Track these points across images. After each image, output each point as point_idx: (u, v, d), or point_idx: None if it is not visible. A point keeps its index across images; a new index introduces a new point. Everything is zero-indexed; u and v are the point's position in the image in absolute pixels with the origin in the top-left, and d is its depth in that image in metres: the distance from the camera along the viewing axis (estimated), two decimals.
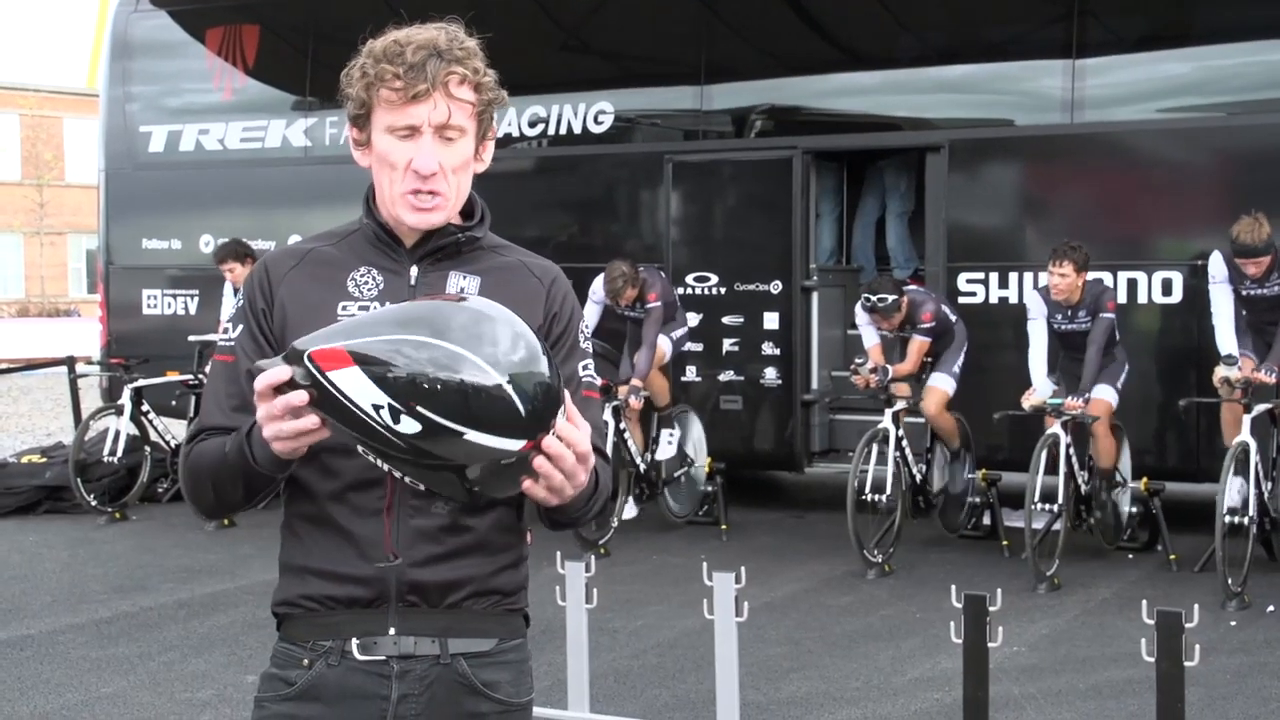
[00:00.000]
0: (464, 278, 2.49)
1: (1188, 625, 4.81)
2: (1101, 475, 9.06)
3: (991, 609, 5.09)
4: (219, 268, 10.90)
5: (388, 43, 2.41)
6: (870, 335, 9.45)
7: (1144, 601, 4.94)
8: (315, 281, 2.49)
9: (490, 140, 2.52)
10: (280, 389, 2.18)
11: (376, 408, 2.12)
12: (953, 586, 5.13)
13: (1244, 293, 8.57)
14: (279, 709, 2.51)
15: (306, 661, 2.49)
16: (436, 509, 2.41)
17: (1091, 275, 8.85)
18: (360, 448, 2.20)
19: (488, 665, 2.49)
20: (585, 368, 2.56)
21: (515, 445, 2.13)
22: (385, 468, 2.23)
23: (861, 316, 9.49)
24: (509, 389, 2.10)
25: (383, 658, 2.44)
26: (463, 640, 2.47)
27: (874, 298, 9.32)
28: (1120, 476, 9.27)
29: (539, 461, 2.18)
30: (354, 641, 2.45)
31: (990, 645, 4.99)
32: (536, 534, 2.62)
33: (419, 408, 2.10)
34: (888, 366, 9.09)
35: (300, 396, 2.16)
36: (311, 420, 2.18)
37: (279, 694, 2.51)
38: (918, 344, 9.28)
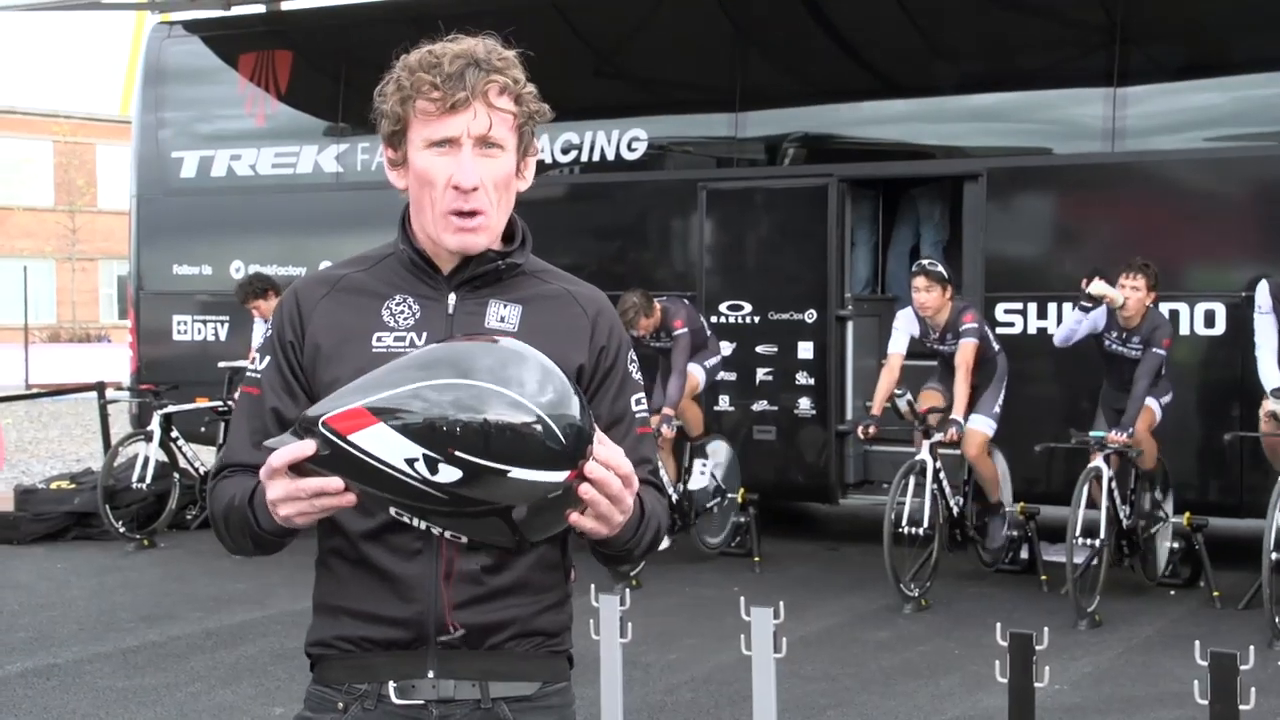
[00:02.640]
0: (504, 306, 2.38)
1: (1243, 667, 4.67)
2: (1143, 475, 8.90)
3: (1038, 648, 4.96)
4: (243, 305, 10.85)
5: (422, 54, 2.31)
6: (899, 340, 9.22)
7: (1196, 642, 4.78)
8: (348, 311, 2.38)
9: (532, 158, 2.40)
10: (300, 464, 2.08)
11: (410, 462, 2.01)
12: (998, 624, 4.99)
13: None
14: None
15: (341, 705, 2.38)
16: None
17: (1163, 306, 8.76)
18: (394, 510, 2.09)
19: (530, 710, 2.38)
20: (638, 402, 2.44)
21: (560, 476, 2.03)
22: (424, 526, 2.12)
23: (900, 317, 9.32)
24: (543, 425, 2.01)
25: (421, 702, 2.34)
26: (505, 684, 2.36)
27: (926, 261, 9.19)
28: (1163, 511, 9.12)
29: (584, 489, 2.08)
30: (391, 685, 2.34)
31: (1036, 685, 4.86)
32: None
33: (457, 452, 2.00)
34: (908, 395, 8.92)
35: (334, 484, 2.07)
36: (346, 498, 2.09)
37: None
38: (966, 350, 8.95)
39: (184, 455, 11.38)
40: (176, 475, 11.22)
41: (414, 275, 2.39)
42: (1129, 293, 8.60)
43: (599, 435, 2.11)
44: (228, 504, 2.30)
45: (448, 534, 2.13)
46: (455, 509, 2.04)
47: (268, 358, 2.40)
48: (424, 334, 2.35)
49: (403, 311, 2.37)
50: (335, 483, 2.06)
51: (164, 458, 11.13)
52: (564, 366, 2.35)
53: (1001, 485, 9.41)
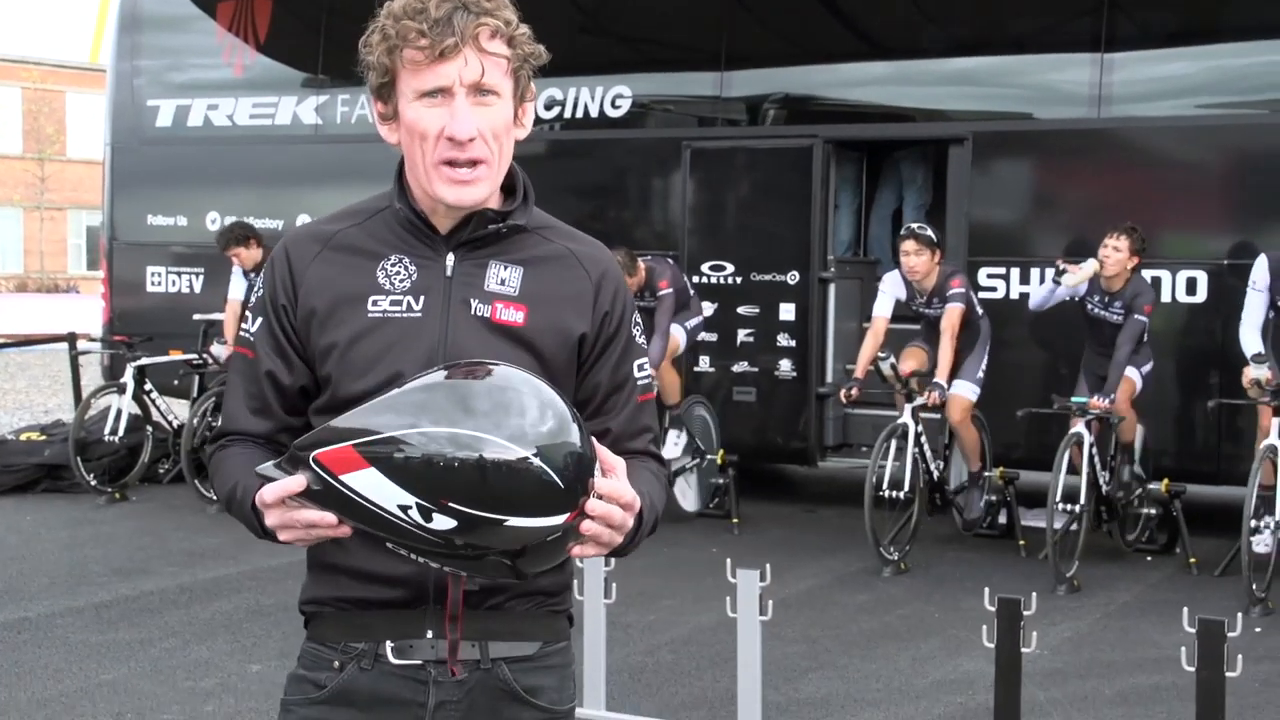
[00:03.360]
0: (505, 268, 2.28)
1: (1230, 635, 4.66)
2: (1122, 447, 8.91)
3: (1026, 613, 4.94)
4: (224, 254, 10.70)
5: (407, 1, 2.20)
6: (884, 303, 9.16)
7: (1184, 609, 4.76)
8: (342, 271, 2.28)
9: (530, 103, 2.30)
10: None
11: (404, 508, 1.95)
12: (985, 590, 4.96)
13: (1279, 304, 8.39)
14: (308, 713, 2.33)
15: (337, 664, 2.31)
16: None
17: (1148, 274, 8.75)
18: (389, 544, 2.04)
19: (531, 670, 2.32)
20: (640, 368, 2.37)
21: (558, 520, 1.97)
22: (420, 561, 2.06)
23: (887, 280, 9.27)
24: (539, 462, 1.93)
25: (419, 662, 2.27)
26: (505, 644, 2.30)
27: (915, 225, 9.16)
28: (1139, 471, 9.13)
29: (586, 525, 2.03)
30: (388, 644, 2.28)
31: (1024, 651, 4.84)
32: None
33: (451, 503, 1.93)
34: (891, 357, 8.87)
35: (326, 519, 2.02)
36: (341, 530, 2.05)
37: (308, 697, 2.34)
38: (952, 314, 8.91)
39: (157, 408, 11.27)
40: (149, 428, 11.11)
41: (410, 234, 2.29)
42: (1109, 253, 8.59)
43: (604, 460, 2.05)
44: (230, 493, 2.24)
45: (446, 568, 2.08)
46: (451, 553, 2.00)
47: (260, 319, 2.31)
48: (421, 297, 2.26)
49: (399, 273, 2.28)
50: (329, 519, 2.02)
51: (137, 410, 11.03)
52: (566, 336, 2.29)
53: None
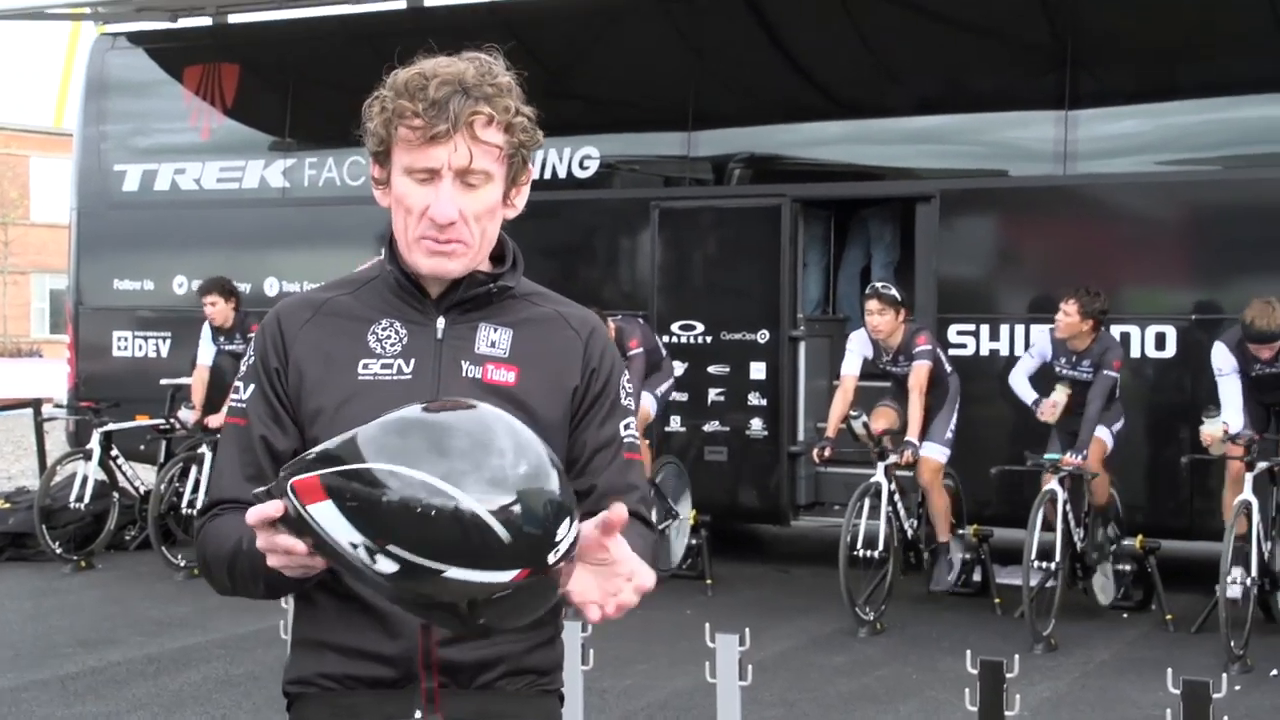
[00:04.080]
0: (495, 330, 2.29)
1: (1215, 695, 4.63)
2: (1096, 511, 8.91)
3: (1009, 675, 4.90)
4: (201, 300, 10.61)
5: (411, 75, 2.19)
6: (853, 361, 9.17)
7: (1169, 670, 4.73)
8: (333, 336, 2.27)
9: (524, 184, 2.30)
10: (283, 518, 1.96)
11: (354, 545, 1.89)
12: (967, 652, 4.92)
13: (1254, 374, 8.40)
14: None
15: None
16: None
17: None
18: (350, 582, 2.00)
19: None
20: (627, 427, 2.35)
21: (504, 576, 1.87)
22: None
23: (854, 339, 9.27)
24: (488, 518, 1.84)
25: None
26: None
27: (879, 284, 9.17)
28: (1113, 531, 9.12)
29: (577, 592, 1.97)
30: None
31: (1008, 714, 4.80)
32: None
33: (389, 546, 1.87)
34: (864, 417, 8.85)
35: (299, 547, 1.93)
36: (316, 560, 1.96)
37: None
38: (919, 372, 8.92)
39: (124, 474, 11.15)
40: (116, 495, 10.99)
41: (401, 299, 2.30)
42: (1060, 317, 8.67)
43: (611, 521, 1.97)
44: (235, 547, 2.17)
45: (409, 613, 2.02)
46: (398, 596, 1.93)
47: (252, 385, 2.29)
48: (411, 360, 2.26)
49: (389, 337, 2.28)
50: (299, 546, 1.95)
51: (103, 477, 10.91)
52: (559, 394, 2.27)
53: (953, 512, 9.35)
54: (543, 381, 2.27)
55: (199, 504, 10.48)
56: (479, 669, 2.22)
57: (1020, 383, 9.00)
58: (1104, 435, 8.81)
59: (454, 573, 1.86)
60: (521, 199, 2.31)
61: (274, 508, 1.94)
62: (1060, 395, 8.71)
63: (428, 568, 1.86)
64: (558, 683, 2.33)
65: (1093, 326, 8.69)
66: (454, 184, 2.18)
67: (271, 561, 2.01)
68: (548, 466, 1.92)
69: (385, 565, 1.88)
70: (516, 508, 1.86)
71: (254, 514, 1.96)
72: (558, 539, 1.89)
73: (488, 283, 2.28)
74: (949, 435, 9.16)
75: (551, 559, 1.88)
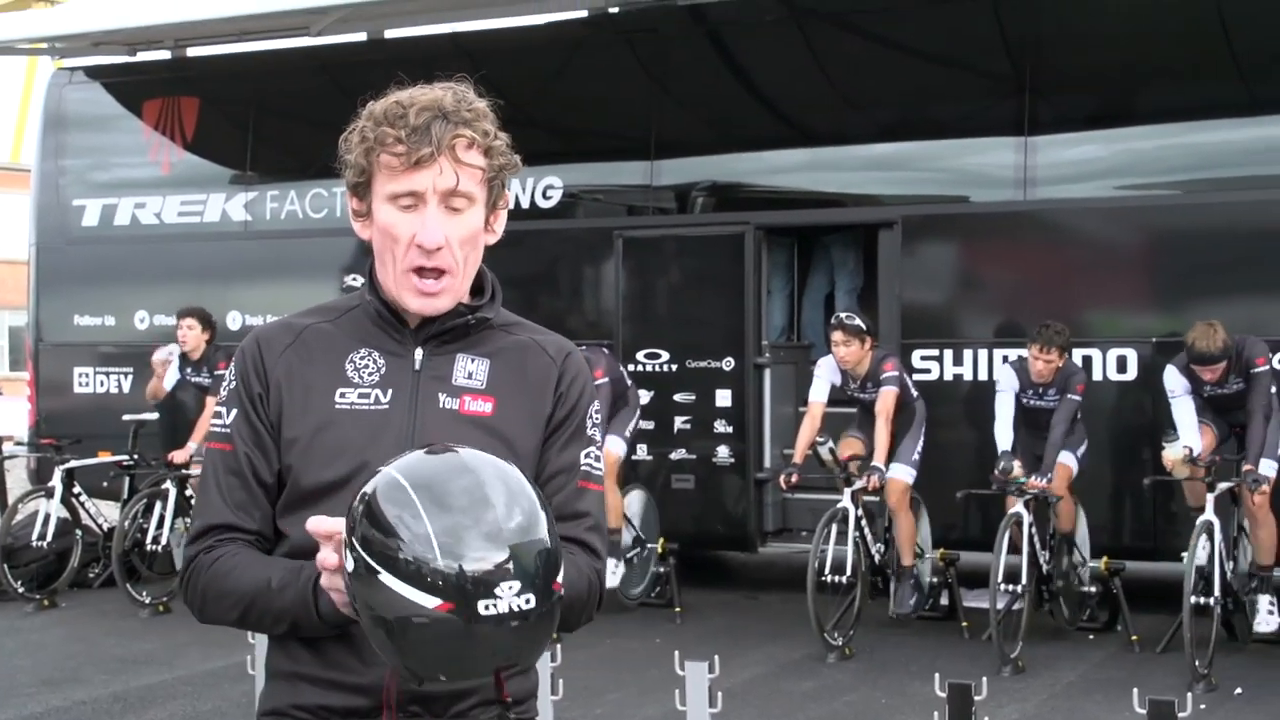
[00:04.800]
0: (472, 360, 2.30)
1: (1181, 715, 4.66)
2: (1062, 537, 8.95)
3: (977, 698, 4.92)
4: (178, 322, 10.56)
5: (389, 104, 2.22)
6: (820, 388, 9.20)
7: (1134, 690, 4.77)
8: (311, 363, 2.28)
9: (502, 210, 2.33)
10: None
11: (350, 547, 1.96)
12: (936, 675, 4.94)
13: (1205, 394, 8.49)
14: None
15: None
16: None
17: None
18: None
19: None
20: (588, 455, 2.33)
21: (429, 603, 1.88)
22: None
23: (821, 365, 9.31)
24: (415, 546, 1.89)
25: None
26: None
27: (844, 314, 9.20)
28: (1080, 555, 9.16)
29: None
30: None
31: None
32: None
33: (353, 538, 1.93)
34: (830, 443, 8.88)
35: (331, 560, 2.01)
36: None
37: None
38: (886, 398, 8.97)
39: (87, 511, 11.06)
40: (79, 533, 10.89)
41: (380, 329, 2.31)
42: (1042, 366, 8.72)
43: None
44: (257, 586, 2.18)
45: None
46: (353, 602, 1.96)
47: (235, 409, 2.29)
48: (389, 390, 2.27)
49: (367, 366, 2.29)
50: (332, 559, 2.00)
51: (65, 514, 10.82)
52: (535, 423, 2.29)
53: (920, 533, 9.39)
54: (519, 410, 2.28)
55: (164, 539, 10.42)
56: (452, 699, 2.22)
57: (1004, 431, 8.81)
58: (1069, 460, 8.87)
59: (387, 578, 1.89)
60: (500, 224, 2.33)
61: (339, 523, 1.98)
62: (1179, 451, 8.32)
63: (371, 566, 1.90)
64: (531, 711, 2.32)
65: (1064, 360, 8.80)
66: (439, 208, 2.20)
67: (326, 580, 2.04)
68: (537, 514, 1.95)
69: (348, 562, 1.94)
70: (530, 551, 1.91)
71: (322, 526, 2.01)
72: (498, 593, 1.88)
73: (466, 314, 2.29)
74: (915, 457, 9.21)
75: (483, 609, 1.88)
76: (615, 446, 9.60)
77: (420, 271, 2.23)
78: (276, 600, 2.15)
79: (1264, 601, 8.48)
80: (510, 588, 1.89)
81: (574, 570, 2.17)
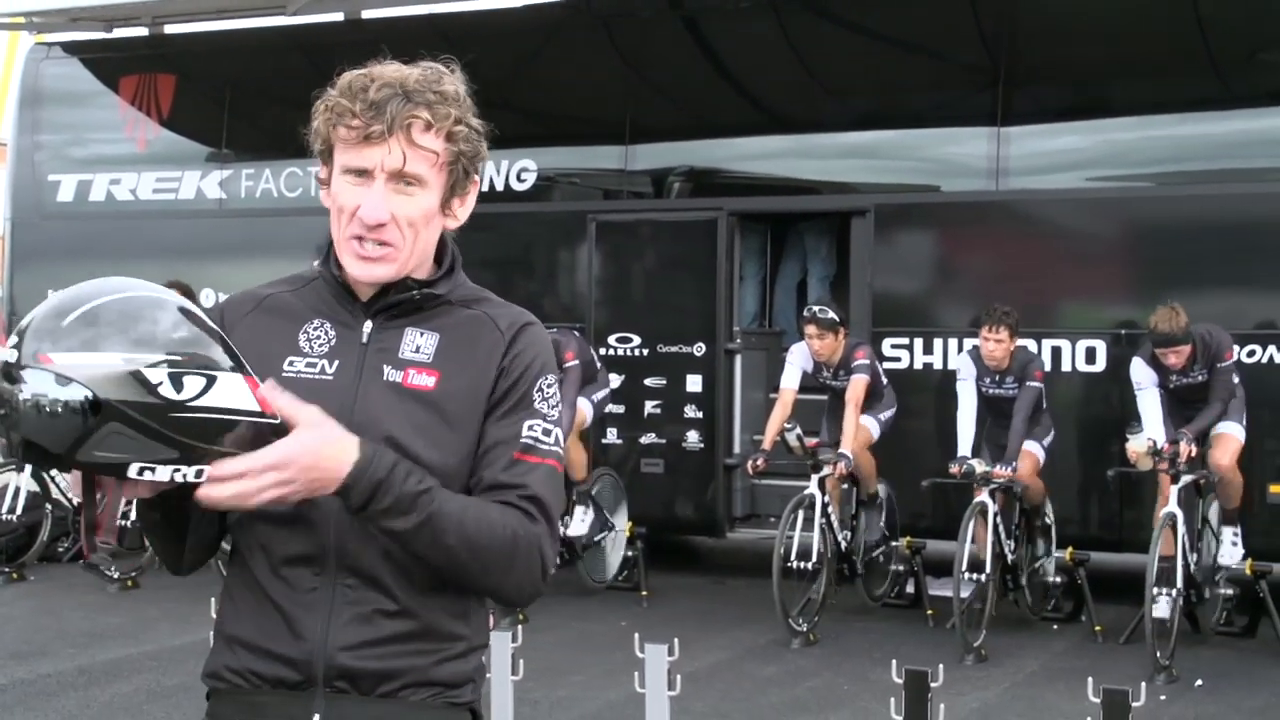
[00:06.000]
0: (421, 334, 2.30)
1: (1135, 704, 4.71)
2: (1030, 511, 9.02)
3: (933, 685, 4.96)
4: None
5: (356, 76, 2.23)
6: (792, 375, 9.25)
7: (1089, 679, 4.82)
8: (268, 331, 2.32)
9: (469, 195, 2.31)
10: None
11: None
12: (893, 661, 4.99)
13: (1171, 385, 8.55)
14: None
15: None
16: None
17: (1019, 342, 8.88)
18: None
19: None
20: (531, 428, 2.28)
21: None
22: None
23: (794, 352, 9.35)
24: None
25: None
26: None
27: (816, 308, 9.23)
28: (1044, 546, 9.22)
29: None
30: None
31: None
32: None
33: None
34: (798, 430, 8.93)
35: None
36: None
37: None
38: (857, 385, 9.02)
39: (57, 486, 11.04)
40: (49, 506, 10.87)
41: (335, 300, 2.33)
42: (993, 346, 8.74)
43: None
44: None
45: None
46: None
47: None
48: (335, 361, 2.29)
49: (319, 337, 2.31)
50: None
51: (35, 488, 10.80)
52: (481, 389, 2.28)
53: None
54: (463, 384, 2.27)
55: (133, 514, 10.41)
56: (380, 678, 2.23)
57: (965, 426, 8.88)
58: (1034, 449, 8.93)
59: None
60: (465, 210, 2.32)
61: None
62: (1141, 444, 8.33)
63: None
64: (468, 696, 2.32)
65: (1014, 343, 8.84)
66: (386, 185, 2.21)
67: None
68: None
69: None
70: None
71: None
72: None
73: (414, 289, 2.30)
74: (881, 418, 9.33)
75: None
76: (583, 406, 9.68)
77: (360, 240, 2.24)
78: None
79: (1228, 533, 8.58)
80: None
81: (486, 518, 2.18)
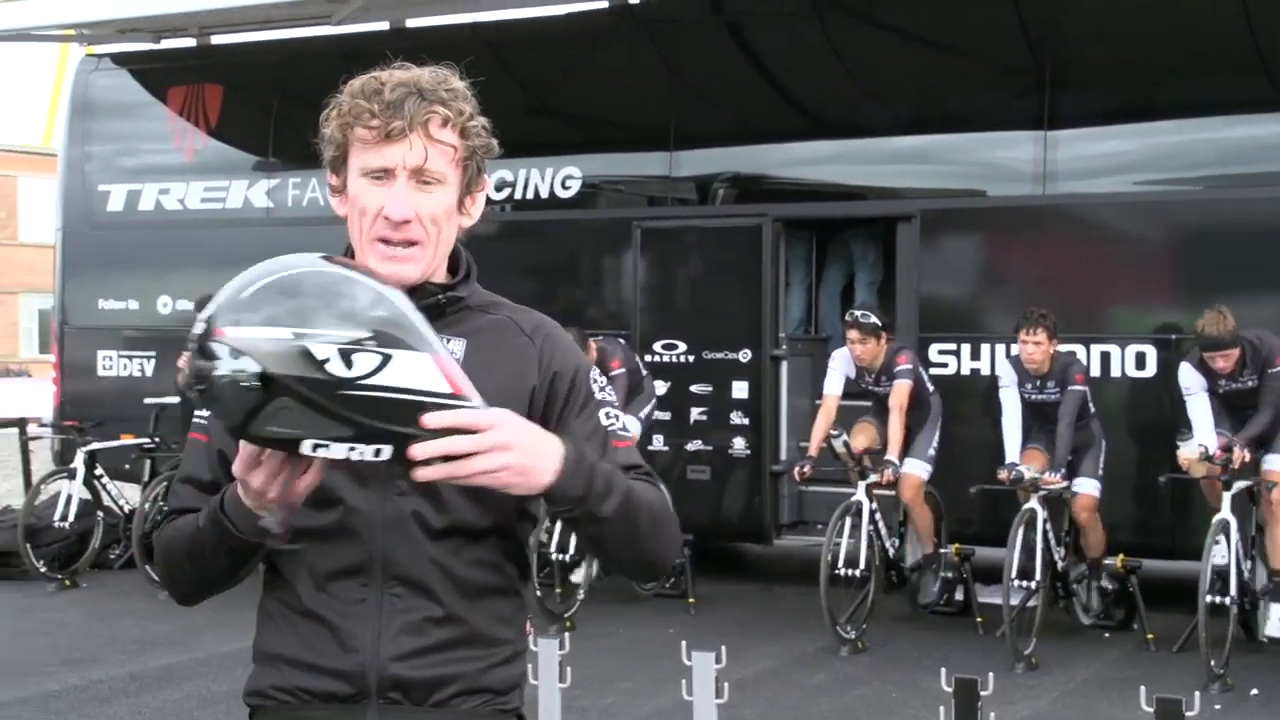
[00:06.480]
0: (447, 341, 2.26)
1: (1189, 714, 4.66)
2: (1091, 566, 8.95)
3: (983, 693, 4.92)
4: (197, 311, 10.61)
5: (367, 80, 2.25)
6: (835, 380, 9.23)
7: (1142, 687, 4.77)
8: None
9: (481, 192, 2.33)
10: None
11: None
12: (942, 669, 4.95)
13: (1220, 391, 8.47)
14: None
15: None
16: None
17: (1062, 347, 8.81)
18: None
19: None
20: (609, 416, 2.32)
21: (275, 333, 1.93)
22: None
23: (836, 358, 9.33)
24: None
25: None
26: None
27: (859, 312, 9.19)
28: (1106, 584, 9.14)
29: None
30: None
31: None
32: None
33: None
34: (845, 436, 8.88)
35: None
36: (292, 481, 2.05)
37: None
38: (900, 391, 8.99)
39: (108, 493, 11.16)
40: (100, 514, 10.99)
41: None
42: (1031, 349, 8.66)
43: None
44: (194, 530, 2.22)
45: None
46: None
47: None
48: None
49: None
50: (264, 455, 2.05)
51: (87, 495, 10.92)
52: (516, 393, 2.27)
53: (935, 530, 9.38)
54: (493, 388, 2.23)
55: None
56: (432, 687, 2.24)
57: (1012, 433, 8.82)
58: (1092, 488, 8.81)
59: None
60: (477, 208, 2.33)
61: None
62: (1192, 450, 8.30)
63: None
64: (516, 702, 2.33)
65: (1054, 345, 8.76)
66: (409, 183, 2.22)
67: (255, 482, 2.04)
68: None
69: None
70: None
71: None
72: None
73: (437, 294, 2.30)
74: (931, 452, 9.21)
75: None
76: (631, 426, 9.64)
77: (387, 241, 2.24)
78: (205, 534, 2.19)
79: (1275, 610, 8.41)
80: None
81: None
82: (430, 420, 1.95)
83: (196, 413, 2.34)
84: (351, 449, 1.95)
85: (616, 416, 2.35)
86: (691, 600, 9.79)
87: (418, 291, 2.27)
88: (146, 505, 10.53)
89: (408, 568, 2.22)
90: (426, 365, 1.97)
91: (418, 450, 1.95)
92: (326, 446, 1.95)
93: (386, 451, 1.96)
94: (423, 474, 1.98)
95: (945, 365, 9.98)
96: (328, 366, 1.91)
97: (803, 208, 10.84)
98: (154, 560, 2.40)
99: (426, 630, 2.23)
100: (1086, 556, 8.97)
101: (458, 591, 2.24)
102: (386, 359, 1.94)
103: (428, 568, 2.23)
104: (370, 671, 2.22)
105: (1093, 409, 8.92)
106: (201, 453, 2.32)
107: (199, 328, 1.95)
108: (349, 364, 1.92)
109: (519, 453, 2.03)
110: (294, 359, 1.91)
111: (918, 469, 9.14)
